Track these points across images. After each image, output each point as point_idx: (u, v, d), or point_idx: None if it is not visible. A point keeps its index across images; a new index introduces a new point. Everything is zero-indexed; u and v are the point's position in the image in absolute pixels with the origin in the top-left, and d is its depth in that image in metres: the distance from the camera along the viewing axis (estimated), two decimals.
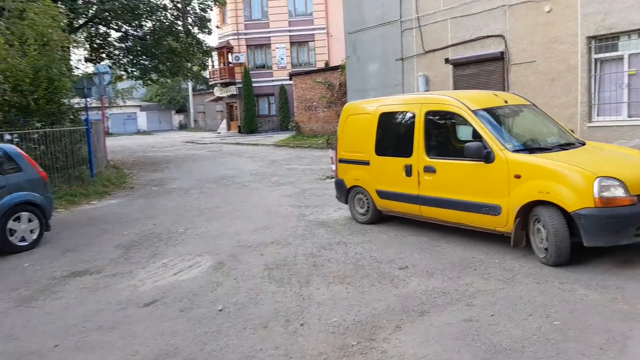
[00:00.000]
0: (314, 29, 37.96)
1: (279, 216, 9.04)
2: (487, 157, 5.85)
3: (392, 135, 7.60)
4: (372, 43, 18.74)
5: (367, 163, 7.68)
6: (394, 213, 7.54)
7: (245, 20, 38.36)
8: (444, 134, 7.36)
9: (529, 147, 6.02)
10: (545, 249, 5.37)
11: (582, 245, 5.19)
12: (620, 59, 11.62)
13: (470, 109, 6.27)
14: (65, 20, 13.37)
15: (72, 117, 20.11)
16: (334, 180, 12.72)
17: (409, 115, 7.16)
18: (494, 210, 5.83)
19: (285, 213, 9.27)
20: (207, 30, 20.68)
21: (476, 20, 14.89)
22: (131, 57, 20.54)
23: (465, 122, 6.51)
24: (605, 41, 11.84)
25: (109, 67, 22.33)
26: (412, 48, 17.14)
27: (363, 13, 19.02)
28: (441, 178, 6.51)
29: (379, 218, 7.84)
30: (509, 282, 5.03)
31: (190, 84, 55.56)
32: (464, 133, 7.26)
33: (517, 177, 5.56)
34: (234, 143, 29.44)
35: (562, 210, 5.21)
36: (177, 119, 60.32)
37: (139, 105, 56.39)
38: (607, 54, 11.83)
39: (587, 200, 5.02)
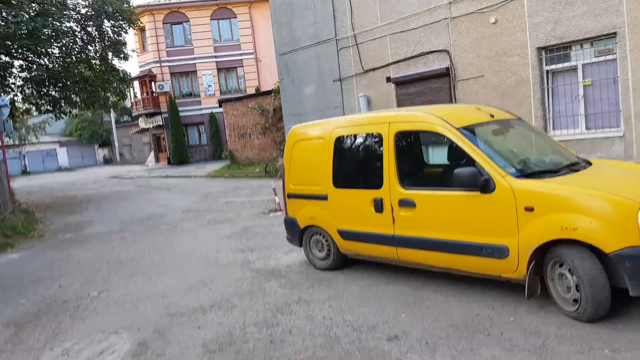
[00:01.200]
0: (241, 54, 36.53)
1: (218, 266, 7.37)
2: (485, 185, 4.56)
3: (354, 163, 6.20)
4: (307, 64, 17.54)
5: (324, 198, 6.23)
6: (362, 257, 6.08)
7: (168, 47, 36.34)
8: (421, 159, 6.07)
9: (534, 171, 4.78)
10: (575, 300, 4.11)
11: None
12: (573, 69, 10.93)
13: (454, 127, 4.99)
14: None
15: None
16: (278, 214, 11.26)
17: (373, 137, 5.79)
18: (498, 252, 4.52)
19: (226, 261, 7.62)
20: (122, 56, 18.65)
21: (417, 36, 14.00)
22: (37, 89, 18.16)
23: (449, 144, 5.26)
24: (556, 51, 11.14)
25: (13, 100, 19.84)
26: (351, 67, 16.06)
27: (294, 32, 17.82)
28: (423, 213, 5.15)
29: (343, 262, 6.38)
30: (542, 353, 3.68)
31: (112, 116, 52.38)
32: (446, 156, 5.99)
33: (529, 209, 4.29)
34: (163, 176, 27.21)
35: (594, 250, 3.99)
36: (101, 153, 56.61)
37: (58, 141, 52.40)
38: (560, 65, 11.13)
39: (632, 236, 3.79)
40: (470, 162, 4.77)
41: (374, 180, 5.67)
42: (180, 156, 35.08)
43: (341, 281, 5.93)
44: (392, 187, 5.41)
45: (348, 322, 4.70)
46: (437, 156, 7.18)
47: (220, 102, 27.01)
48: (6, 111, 14.75)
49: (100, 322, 5.51)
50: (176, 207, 14.30)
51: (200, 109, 36.39)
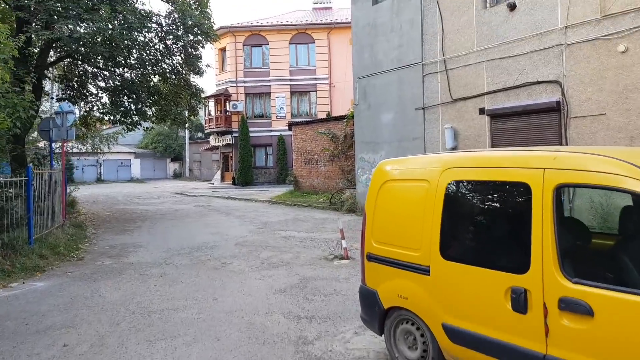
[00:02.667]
0: (315, 79, 35.18)
1: (264, 341, 5.33)
2: None
3: (477, 225, 4.04)
4: (387, 89, 15.56)
5: (424, 270, 4.09)
6: None
7: (245, 68, 35.62)
8: (584, 228, 3.86)
9: None
10: None
11: None
12: None
13: None
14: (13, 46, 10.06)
15: (36, 163, 16.72)
16: (344, 262, 9.13)
17: (514, 188, 3.64)
18: None
19: (275, 333, 5.57)
20: (196, 70, 17.43)
21: (522, 63, 11.71)
22: (111, 98, 17.24)
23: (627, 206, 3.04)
24: None
25: (90, 108, 19.09)
26: (437, 95, 13.92)
27: (376, 55, 15.93)
28: (609, 331, 2.93)
29: None
30: None
31: (187, 133, 52.60)
32: (618, 224, 3.75)
33: None
34: (225, 197, 25.85)
35: None
36: (172, 167, 56.95)
37: (134, 152, 53.10)
38: None
39: None
40: None
41: (512, 257, 3.52)
42: (245, 177, 33.99)
43: None
44: (547, 274, 3.22)
45: None
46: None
47: (290, 125, 25.49)
48: (71, 118, 13.68)
49: None
50: (230, 237, 12.54)
51: (270, 131, 35.24)
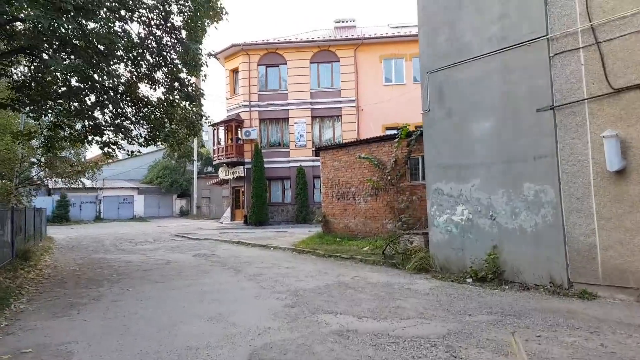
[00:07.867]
0: (340, 102, 29.85)
1: None
2: None
3: None
4: (481, 84, 9.96)
5: None
6: None
7: (260, 91, 30.47)
8: None
9: None
10: None
11: None
12: None
13: None
14: None
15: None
16: None
17: None
18: None
19: None
20: (193, 62, 11.60)
21: None
22: (68, 102, 11.83)
23: None
24: None
25: (52, 123, 13.53)
26: (579, 85, 8.27)
27: (461, 35, 10.41)
28: None
29: None
30: None
31: (195, 165, 47.33)
32: None
33: None
34: (235, 242, 20.04)
35: None
36: (179, 204, 51.36)
37: (137, 188, 47.72)
38: None
39: None
40: None
41: None
42: (258, 215, 28.37)
43: None
44: None
45: None
46: None
47: (317, 150, 19.90)
48: None
49: None
50: (238, 333, 6.74)
51: (288, 162, 29.82)
